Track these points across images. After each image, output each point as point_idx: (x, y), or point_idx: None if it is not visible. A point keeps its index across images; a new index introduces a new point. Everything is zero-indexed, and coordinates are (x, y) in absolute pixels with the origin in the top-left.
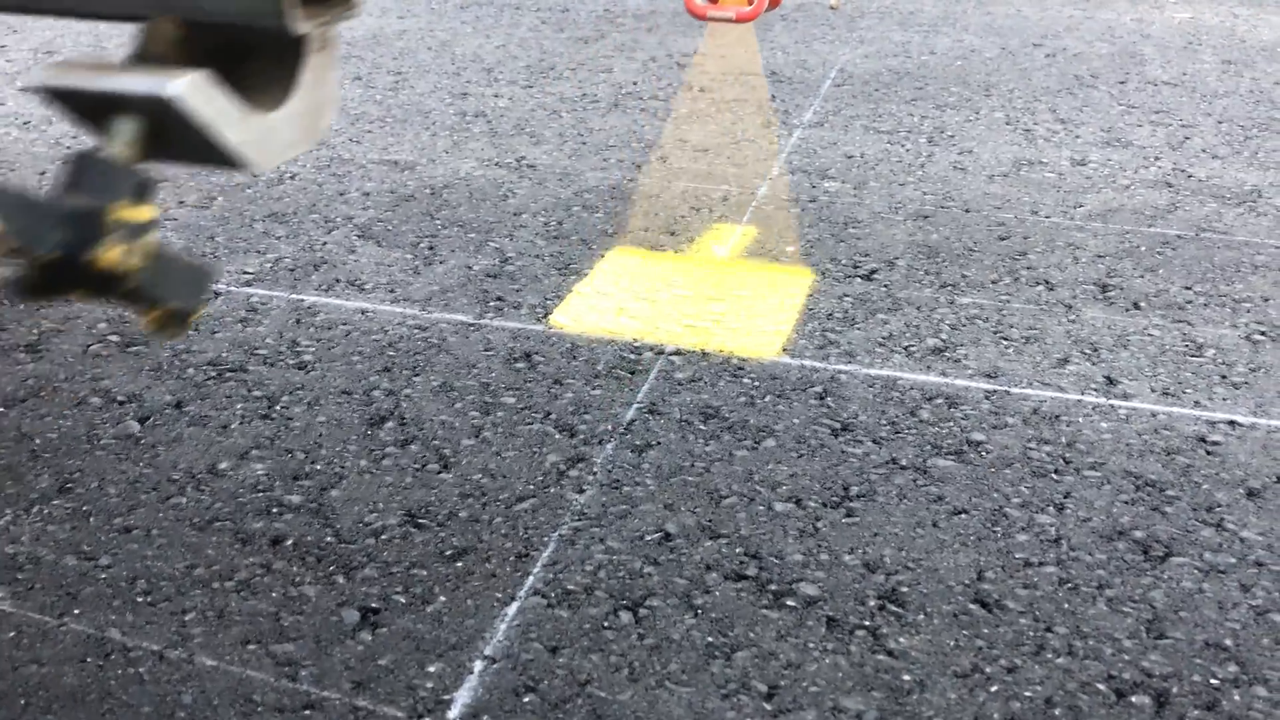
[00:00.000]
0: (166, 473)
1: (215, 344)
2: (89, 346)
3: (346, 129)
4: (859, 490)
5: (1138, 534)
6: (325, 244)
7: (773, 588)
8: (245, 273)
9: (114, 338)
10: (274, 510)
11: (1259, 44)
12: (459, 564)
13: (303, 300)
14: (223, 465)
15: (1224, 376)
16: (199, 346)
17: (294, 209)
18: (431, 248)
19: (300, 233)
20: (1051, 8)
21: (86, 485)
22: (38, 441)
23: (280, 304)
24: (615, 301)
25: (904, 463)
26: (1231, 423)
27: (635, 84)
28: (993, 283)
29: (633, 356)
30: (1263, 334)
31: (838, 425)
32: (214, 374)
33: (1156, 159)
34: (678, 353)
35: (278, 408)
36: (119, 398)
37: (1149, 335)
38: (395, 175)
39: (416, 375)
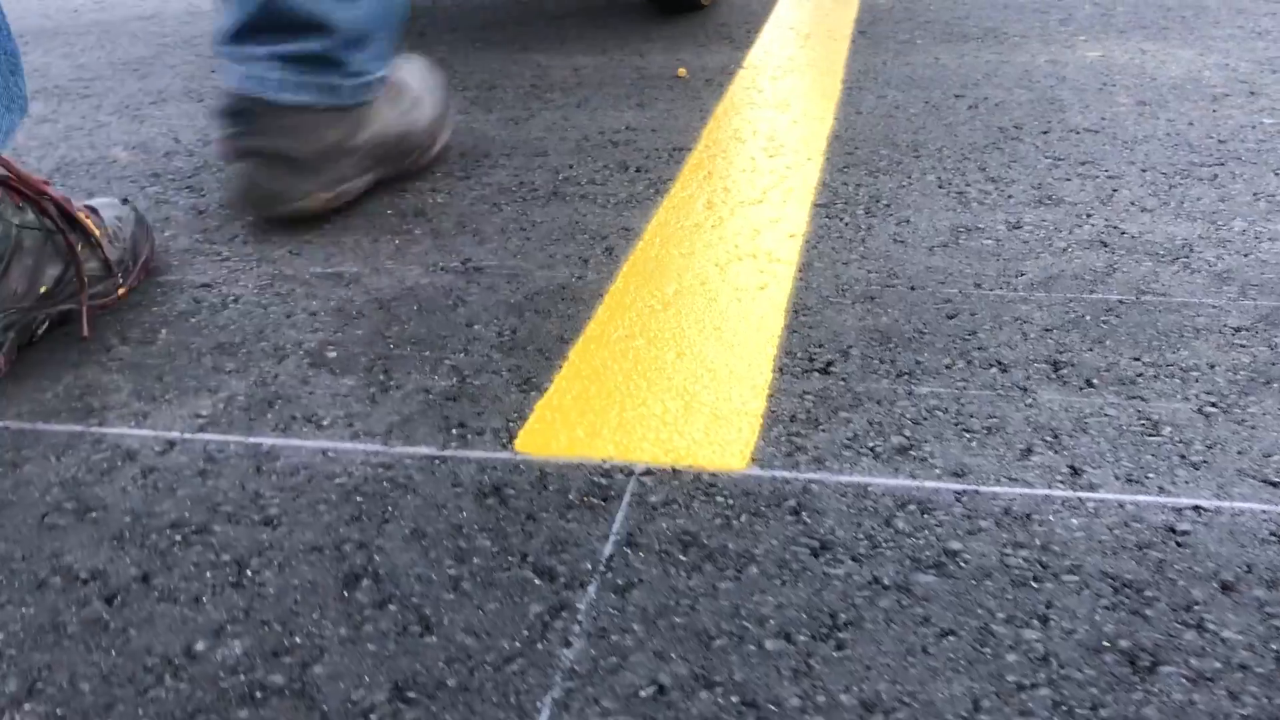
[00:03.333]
0: (141, 660)
1: (177, 503)
2: (44, 516)
3: (286, 240)
4: (846, 618)
5: (1123, 643)
6: (277, 376)
7: None
8: (199, 416)
9: (69, 504)
10: (257, 695)
11: (1169, 81)
12: None
13: (261, 444)
14: (199, 646)
15: (1183, 456)
16: (160, 507)
17: (241, 338)
18: (386, 371)
19: (250, 365)
20: (968, 54)
21: (57, 684)
22: (1, 636)
23: (238, 450)
24: (579, 418)
25: (886, 581)
26: (1197, 508)
27: (571, 168)
28: (947, 368)
29: (603, 481)
30: (1214, 405)
31: (816, 544)
32: (179, 538)
33: (1089, 216)
34: (648, 472)
35: (248, 573)
36: (81, 575)
37: (1105, 416)
38: (341, 290)
39: (386, 522)
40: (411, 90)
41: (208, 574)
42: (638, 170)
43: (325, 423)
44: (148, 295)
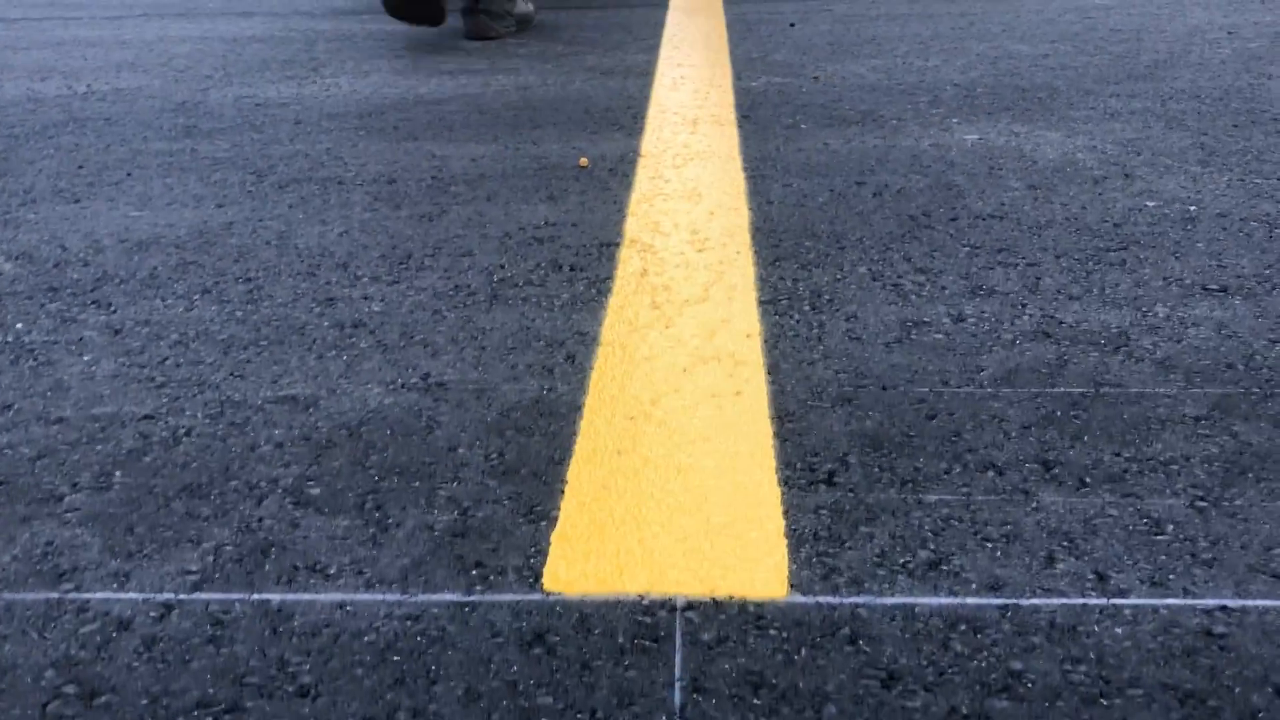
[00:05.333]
0: None
1: (194, 677)
2: (46, 705)
3: (222, 360)
4: None
5: None
6: (262, 520)
7: None
8: (189, 573)
9: (71, 689)
10: None
11: (1049, 165)
12: None
13: (269, 601)
14: None
15: (1194, 555)
16: (177, 685)
17: (207, 476)
18: (380, 507)
19: (227, 508)
20: (854, 139)
21: None
22: None
23: (246, 610)
24: (599, 548)
25: (965, 710)
26: (1224, 609)
27: (503, 268)
28: (946, 473)
29: (648, 620)
30: (1203, 499)
31: (884, 675)
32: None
33: (1024, 306)
34: (690, 606)
35: None
36: None
37: (1109, 516)
38: (301, 416)
39: (434, 684)
40: None
41: None
42: (572, 269)
43: (332, 571)
44: (84, 430)
